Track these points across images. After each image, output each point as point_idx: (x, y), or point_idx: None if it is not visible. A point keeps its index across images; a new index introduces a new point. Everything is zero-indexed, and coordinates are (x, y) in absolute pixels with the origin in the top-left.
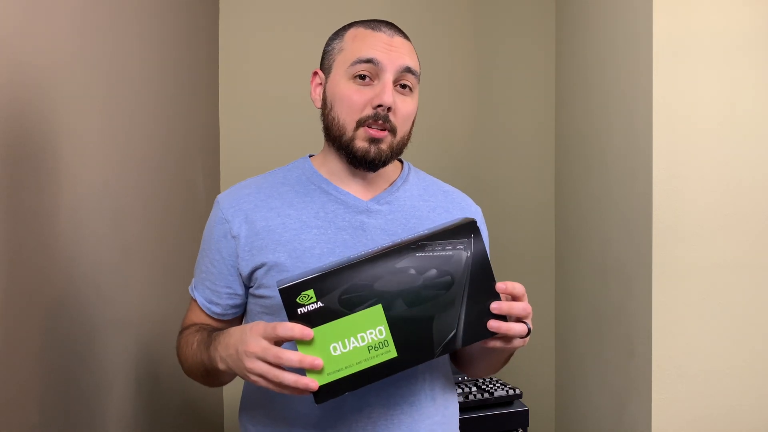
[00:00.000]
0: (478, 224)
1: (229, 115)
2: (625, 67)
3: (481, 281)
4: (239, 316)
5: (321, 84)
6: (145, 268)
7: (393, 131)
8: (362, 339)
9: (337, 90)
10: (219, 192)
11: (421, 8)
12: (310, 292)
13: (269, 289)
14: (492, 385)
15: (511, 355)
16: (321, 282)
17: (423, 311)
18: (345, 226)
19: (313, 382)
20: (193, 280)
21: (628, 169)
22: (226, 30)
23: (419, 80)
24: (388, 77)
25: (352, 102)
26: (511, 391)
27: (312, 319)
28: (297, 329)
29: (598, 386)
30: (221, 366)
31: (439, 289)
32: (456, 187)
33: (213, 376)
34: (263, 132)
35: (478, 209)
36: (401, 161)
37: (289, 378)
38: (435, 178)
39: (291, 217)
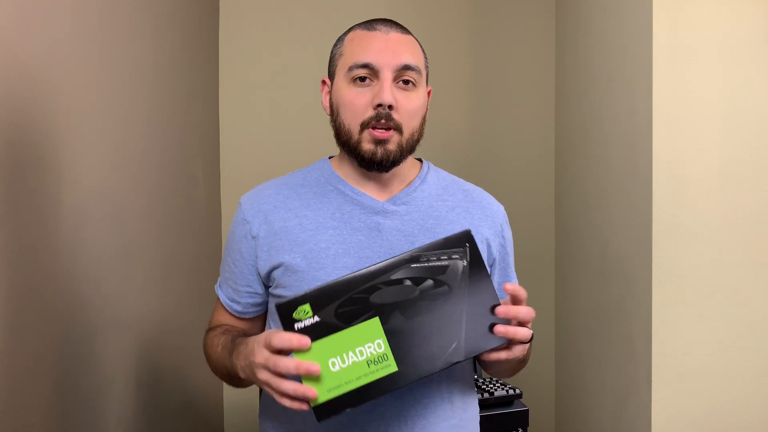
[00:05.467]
0: (473, 234)
1: (230, 115)
2: (625, 67)
3: (480, 291)
4: (261, 315)
5: (329, 92)
6: (145, 268)
7: (398, 129)
8: (361, 353)
9: (340, 95)
10: (219, 192)
11: (421, 8)
12: (306, 307)
13: (286, 289)
14: (492, 385)
15: (524, 362)
16: (317, 296)
17: (421, 323)
18: (360, 227)
19: (311, 390)
20: (219, 278)
21: (628, 168)
22: (226, 30)
23: (426, 73)
24: (386, 75)
25: (354, 105)
26: (511, 391)
27: (309, 334)
28: (294, 338)
29: (598, 386)
30: (242, 375)
31: (436, 299)
32: None
33: (236, 381)
34: (263, 132)
35: (501, 207)
36: (420, 160)
37: (289, 386)
38: (456, 177)
39: (308, 218)
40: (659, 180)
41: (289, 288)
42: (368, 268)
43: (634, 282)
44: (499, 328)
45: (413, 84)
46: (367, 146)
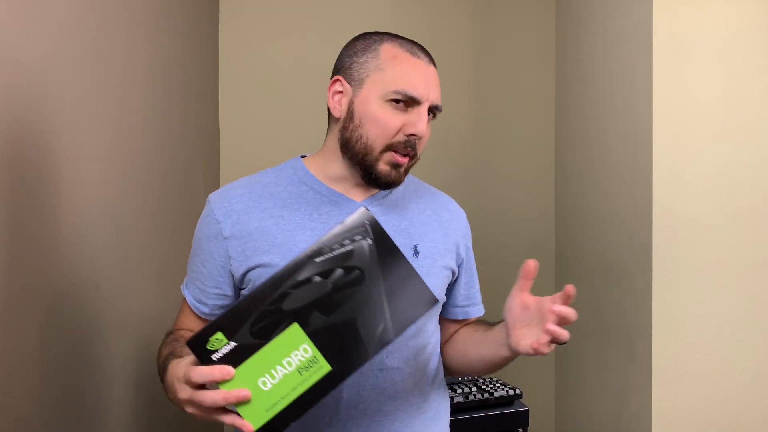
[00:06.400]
0: (368, 209)
1: (229, 115)
2: (625, 67)
3: (393, 264)
4: None
5: (341, 92)
6: (145, 268)
7: (413, 157)
8: (289, 364)
9: (370, 109)
10: None
11: (421, 9)
12: (219, 335)
13: None
14: (492, 385)
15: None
16: (226, 321)
17: (342, 315)
18: None
19: (247, 426)
20: (185, 278)
21: (628, 169)
22: (226, 30)
23: None
24: (425, 109)
25: (387, 126)
26: (511, 391)
27: (229, 361)
28: (216, 371)
29: (598, 386)
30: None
31: (351, 287)
32: (456, 188)
33: None
34: (263, 132)
35: (463, 212)
36: None
37: (226, 419)
38: (421, 181)
39: (284, 219)
40: (659, 180)
41: None
42: (271, 276)
43: (634, 282)
44: (551, 327)
45: (433, 117)
46: (383, 167)
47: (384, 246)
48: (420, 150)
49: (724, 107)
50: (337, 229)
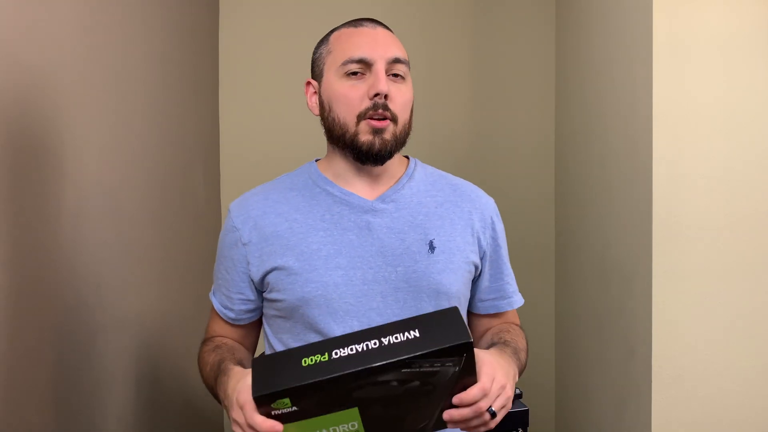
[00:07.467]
0: (472, 344)
1: (230, 116)
2: (625, 67)
3: (466, 387)
4: (256, 321)
5: (315, 92)
6: (145, 269)
7: (394, 119)
8: (335, 431)
9: (332, 91)
10: (219, 193)
11: (421, 8)
12: (286, 400)
13: (281, 293)
14: None
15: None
16: (298, 392)
17: (399, 411)
18: (351, 227)
19: None
20: (213, 286)
21: (628, 169)
22: (226, 30)
23: (410, 68)
24: (380, 67)
25: (349, 98)
26: None
27: (285, 419)
28: (266, 426)
29: (598, 386)
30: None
31: (419, 396)
32: None
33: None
34: (263, 132)
35: (491, 200)
36: (407, 157)
37: None
38: (444, 172)
39: (298, 222)
40: (659, 180)
41: (284, 291)
42: (357, 368)
43: (634, 282)
44: (445, 414)
45: (402, 77)
46: (364, 137)
47: (465, 376)
48: (400, 112)
49: (724, 107)
50: (436, 350)
